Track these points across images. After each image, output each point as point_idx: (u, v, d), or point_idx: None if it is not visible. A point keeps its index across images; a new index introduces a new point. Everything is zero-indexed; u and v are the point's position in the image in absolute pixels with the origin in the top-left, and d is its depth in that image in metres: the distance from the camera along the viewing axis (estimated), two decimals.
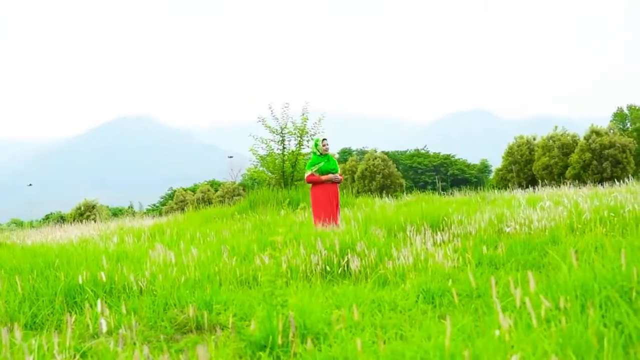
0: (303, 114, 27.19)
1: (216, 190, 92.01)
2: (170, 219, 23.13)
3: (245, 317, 6.08)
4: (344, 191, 24.04)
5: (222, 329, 5.60)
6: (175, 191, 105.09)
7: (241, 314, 6.22)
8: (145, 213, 56.57)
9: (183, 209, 44.31)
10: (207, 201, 77.12)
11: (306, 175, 12.84)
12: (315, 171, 12.67)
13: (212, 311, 6.31)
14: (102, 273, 7.14)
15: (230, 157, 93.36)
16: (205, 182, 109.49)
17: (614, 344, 3.48)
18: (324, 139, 13.09)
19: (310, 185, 13.01)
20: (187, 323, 6.05)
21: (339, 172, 13.10)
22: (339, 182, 12.97)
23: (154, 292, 7.13)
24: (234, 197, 74.39)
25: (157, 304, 6.62)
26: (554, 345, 3.53)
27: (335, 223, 12.05)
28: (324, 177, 12.61)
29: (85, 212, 67.11)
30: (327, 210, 12.40)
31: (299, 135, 27.03)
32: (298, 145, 27.14)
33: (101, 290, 7.17)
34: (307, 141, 27.18)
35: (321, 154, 12.92)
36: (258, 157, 27.84)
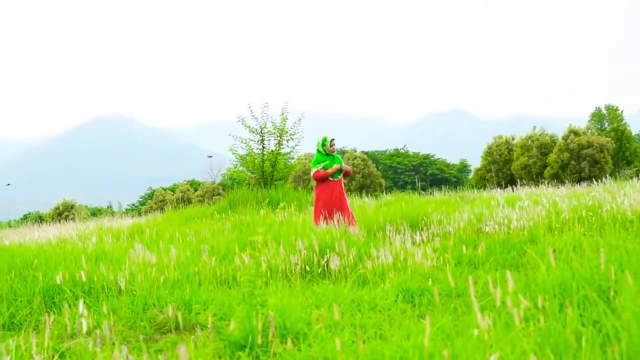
0: (282, 114, 27.17)
1: (196, 190, 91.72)
2: (149, 219, 23.04)
3: (225, 317, 6.08)
4: None
5: (202, 329, 5.58)
6: (154, 191, 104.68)
7: (221, 314, 6.21)
8: (124, 213, 56.35)
9: (162, 209, 44.18)
10: (187, 201, 76.92)
11: (312, 172, 12.49)
12: (321, 169, 12.39)
13: (191, 311, 6.30)
14: (82, 273, 7.12)
15: (210, 156, 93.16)
16: (185, 182, 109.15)
17: (592, 343, 3.49)
18: (332, 139, 12.73)
19: (314, 185, 12.79)
20: (166, 323, 6.04)
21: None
22: (348, 174, 12.79)
23: (133, 292, 7.12)
24: (214, 197, 74.22)
25: (136, 304, 6.61)
26: (532, 345, 3.54)
27: (349, 223, 11.73)
28: (330, 170, 12.33)
29: (64, 212, 66.72)
30: (328, 210, 12.07)
31: (278, 134, 27.01)
32: (277, 145, 27.11)
33: (80, 290, 7.14)
34: (287, 140, 27.20)
35: (327, 153, 12.63)
36: (238, 156, 27.77)
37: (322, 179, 12.39)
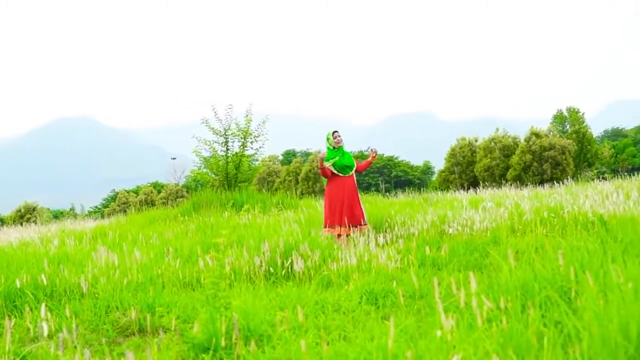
0: (247, 115, 27.10)
1: (159, 192, 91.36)
2: (112, 221, 22.86)
3: (189, 319, 6.06)
4: (288, 193, 24.02)
5: (165, 332, 5.55)
6: (117, 193, 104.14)
7: (184, 317, 6.19)
8: (87, 215, 55.98)
9: (126, 211, 43.93)
10: (150, 203, 76.57)
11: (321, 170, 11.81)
12: (331, 166, 11.72)
13: (154, 314, 6.27)
14: (43, 276, 7.06)
15: (174, 158, 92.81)
16: (148, 184, 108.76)
17: (554, 343, 3.53)
18: (334, 131, 12.15)
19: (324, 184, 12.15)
20: (129, 326, 6.01)
21: (375, 153, 12.15)
22: (361, 169, 12.07)
23: (96, 295, 7.07)
24: (178, 199, 73.98)
25: (99, 306, 6.57)
26: (495, 345, 3.57)
27: (355, 223, 11.35)
28: (320, 158, 11.49)
29: (26, 215, 66.18)
30: (338, 210, 11.45)
31: (242, 136, 26.93)
32: (242, 147, 27.03)
33: (42, 293, 7.09)
34: (251, 142, 27.12)
35: (334, 147, 11.92)
36: (201, 158, 27.63)
37: (326, 175, 11.70)
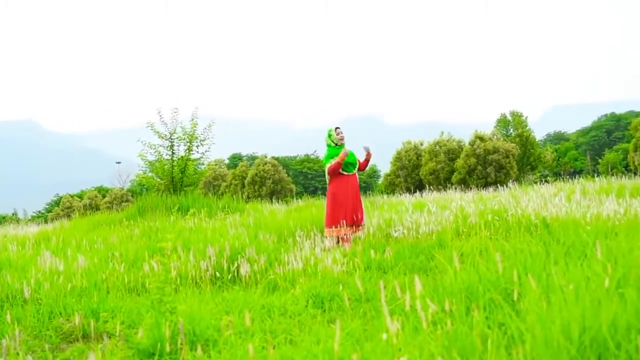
0: (192, 119, 26.97)
1: (104, 197, 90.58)
2: (56, 226, 22.58)
3: (134, 324, 6.01)
4: (234, 197, 23.96)
5: (110, 337, 5.51)
6: (61, 197, 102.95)
7: (129, 322, 6.15)
8: (30, 220, 55.18)
9: (70, 216, 43.45)
10: (95, 207, 75.91)
11: (327, 168, 11.56)
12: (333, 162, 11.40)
13: (99, 319, 6.22)
14: None
15: (119, 162, 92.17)
16: (93, 188, 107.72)
17: (498, 345, 3.56)
18: (337, 127, 11.86)
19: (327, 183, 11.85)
20: (73, 332, 5.94)
21: (368, 151, 11.95)
22: (363, 167, 11.82)
23: (39, 301, 6.98)
24: (123, 204, 73.42)
25: (42, 312, 6.49)
26: (440, 348, 3.59)
27: (357, 223, 11.24)
28: (339, 158, 11.29)
29: None
30: (344, 209, 11.26)
31: (188, 140, 26.80)
32: (187, 151, 26.89)
33: None
34: (197, 146, 26.99)
35: (337, 144, 11.65)
36: (147, 162, 27.41)
37: (336, 173, 11.43)
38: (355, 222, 11.19)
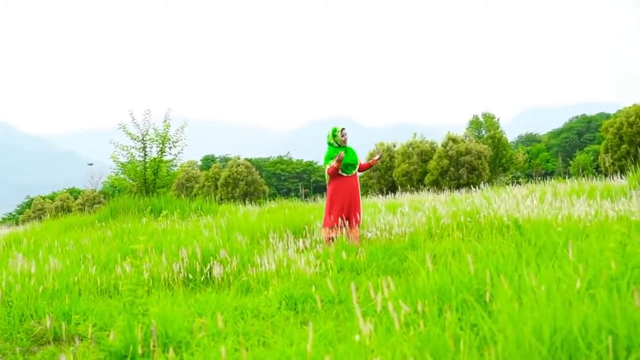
0: (165, 121, 26.88)
1: (76, 198, 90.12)
2: (27, 228, 22.42)
3: (106, 327, 5.99)
4: (207, 198, 23.90)
5: (82, 340, 5.47)
6: (32, 199, 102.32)
7: (101, 324, 6.12)
8: (0, 222, 54.79)
9: (41, 218, 43.14)
10: (67, 209, 75.44)
11: (327, 168, 11.47)
12: (333, 163, 11.26)
13: (71, 322, 6.19)
14: None
15: (91, 164, 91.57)
16: (65, 190, 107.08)
17: (470, 346, 3.57)
18: (342, 128, 11.66)
19: (327, 183, 11.74)
20: (44, 334, 5.91)
21: (379, 153, 12.03)
22: (364, 168, 11.80)
23: (10, 303, 6.92)
24: (95, 205, 73.05)
25: (13, 315, 6.45)
26: (412, 349, 3.60)
27: (353, 224, 11.12)
28: (337, 158, 11.08)
29: None
30: (344, 210, 11.19)
31: (160, 142, 26.70)
32: (160, 153, 26.79)
33: None
34: (169, 148, 26.91)
35: (339, 145, 11.58)
36: (119, 164, 27.28)
37: (335, 174, 11.37)
38: (350, 224, 11.09)
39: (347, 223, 11.02)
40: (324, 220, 11.43)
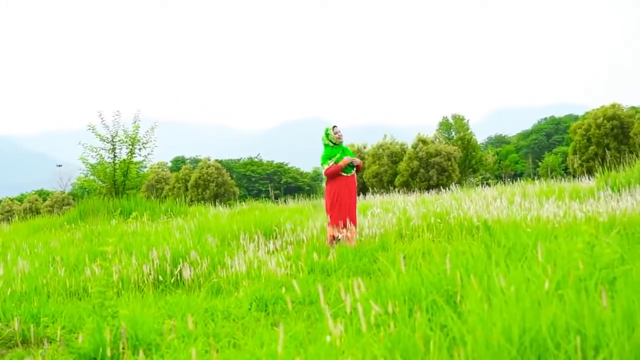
0: (135, 122, 26.76)
1: (45, 200, 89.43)
2: None
3: (75, 329, 5.95)
4: (177, 200, 23.84)
5: (50, 342, 5.44)
6: (0, 201, 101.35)
7: (70, 327, 6.08)
8: None
9: (9, 220, 42.77)
10: (35, 211, 74.78)
11: (324, 169, 11.40)
12: (332, 164, 11.23)
13: (39, 324, 6.14)
14: None
15: (59, 165, 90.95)
16: (33, 192, 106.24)
17: (440, 347, 3.59)
18: (334, 126, 11.55)
19: (325, 183, 11.72)
20: (12, 337, 5.86)
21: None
22: (359, 168, 11.63)
23: None
24: (64, 207, 72.50)
25: None
26: (383, 350, 3.61)
27: (353, 223, 11.03)
28: (341, 163, 11.14)
29: None
30: (347, 206, 11.16)
31: (130, 143, 26.58)
32: (130, 154, 26.67)
33: None
34: (139, 149, 26.80)
35: (335, 143, 11.44)
36: (88, 165, 27.11)
37: (334, 175, 11.29)
38: (353, 222, 11.03)
39: (351, 222, 10.96)
40: (329, 219, 11.26)
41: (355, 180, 11.56)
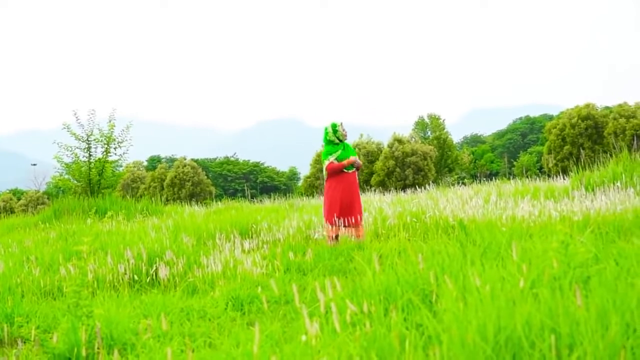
0: (110, 121, 26.65)
1: (19, 199, 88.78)
2: None
3: (49, 329, 5.92)
4: (153, 199, 23.77)
5: (24, 342, 5.41)
6: None
7: (45, 326, 6.05)
8: None
9: None
10: (9, 210, 74.21)
11: (325, 165, 11.28)
12: (334, 160, 11.11)
13: (13, 324, 6.10)
14: None
15: (34, 164, 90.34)
16: (7, 191, 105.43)
17: (415, 346, 3.60)
18: (341, 123, 11.40)
19: (325, 180, 11.58)
20: None
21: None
22: (359, 168, 11.44)
23: None
24: (39, 206, 72.03)
25: None
26: (358, 349, 3.61)
27: (356, 224, 10.92)
28: (345, 162, 11.06)
29: None
30: (344, 207, 10.99)
31: (105, 142, 26.47)
32: (105, 153, 26.57)
33: None
34: (115, 148, 26.71)
35: (341, 140, 11.35)
36: (63, 165, 26.98)
37: (336, 172, 11.16)
38: (355, 221, 10.93)
39: (352, 220, 10.89)
40: (325, 217, 11.22)
41: (356, 176, 11.46)
